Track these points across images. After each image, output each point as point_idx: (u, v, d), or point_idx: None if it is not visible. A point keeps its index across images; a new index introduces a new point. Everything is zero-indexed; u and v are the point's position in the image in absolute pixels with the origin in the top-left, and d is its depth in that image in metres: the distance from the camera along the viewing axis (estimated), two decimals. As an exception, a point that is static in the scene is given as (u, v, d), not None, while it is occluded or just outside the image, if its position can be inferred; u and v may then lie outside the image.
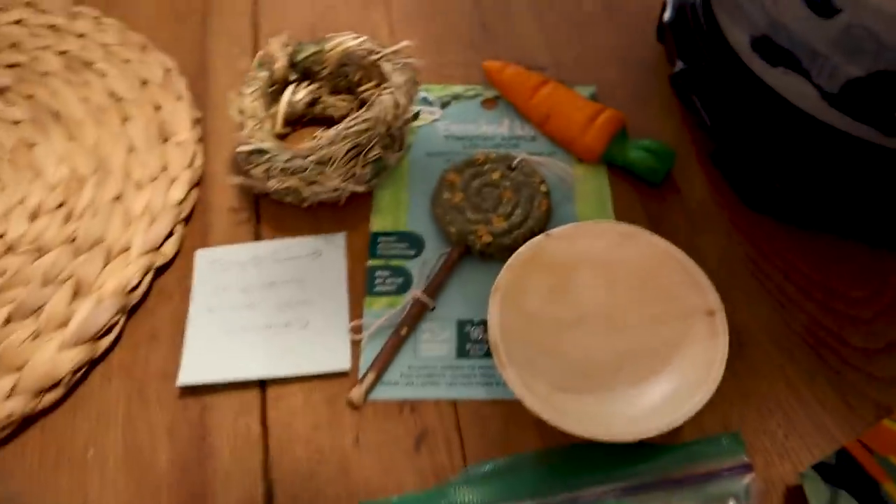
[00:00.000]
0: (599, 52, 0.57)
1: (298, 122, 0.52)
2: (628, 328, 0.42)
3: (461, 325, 0.44)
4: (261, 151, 0.45)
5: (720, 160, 0.49)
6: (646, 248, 0.43)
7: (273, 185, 0.45)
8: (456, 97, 0.54)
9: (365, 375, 0.41)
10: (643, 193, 0.49)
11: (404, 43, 0.49)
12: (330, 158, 0.44)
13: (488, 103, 0.53)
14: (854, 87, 0.38)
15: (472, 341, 0.43)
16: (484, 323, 0.44)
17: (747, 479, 0.39)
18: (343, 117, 0.52)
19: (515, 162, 0.48)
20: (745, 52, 0.44)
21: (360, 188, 0.45)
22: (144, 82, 0.55)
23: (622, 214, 0.48)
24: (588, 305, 0.43)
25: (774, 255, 0.46)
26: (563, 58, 0.56)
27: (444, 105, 0.53)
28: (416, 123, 0.52)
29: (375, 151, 0.45)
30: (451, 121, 0.53)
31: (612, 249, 0.43)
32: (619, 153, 0.49)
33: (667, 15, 0.53)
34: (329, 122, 0.52)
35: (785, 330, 0.44)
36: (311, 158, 0.44)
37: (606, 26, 0.58)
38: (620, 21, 0.58)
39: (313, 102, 0.52)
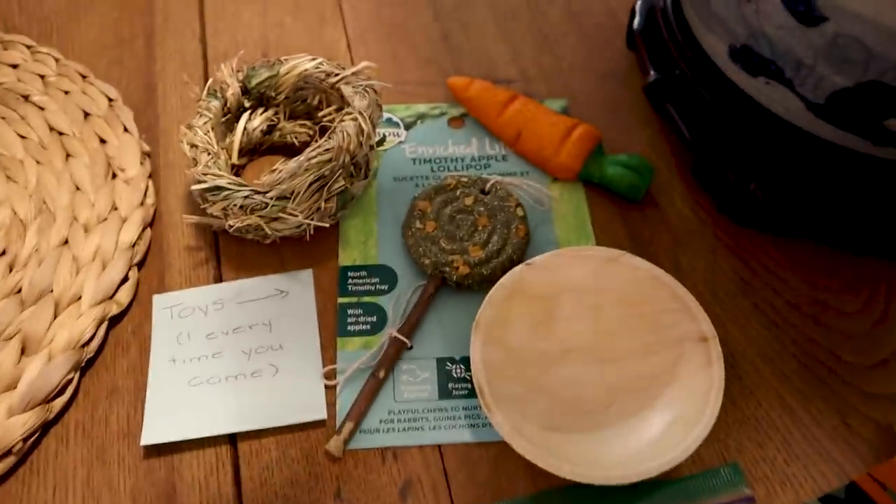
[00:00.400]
0: (567, 62, 0.54)
1: (255, 151, 0.49)
2: (617, 359, 0.40)
3: (441, 364, 0.41)
4: (217, 189, 0.41)
5: (701, 173, 0.47)
6: (631, 272, 0.41)
7: (232, 223, 0.42)
8: (421, 117, 0.51)
9: (343, 424, 0.39)
10: (622, 210, 0.47)
11: (364, 64, 0.46)
12: (292, 193, 0.41)
13: (455, 122, 0.51)
14: (841, 98, 0.37)
15: (454, 380, 0.41)
16: (465, 360, 0.41)
17: (750, 511, 0.37)
18: (304, 143, 0.49)
19: (489, 185, 0.45)
20: (722, 61, 0.43)
21: (326, 223, 0.42)
22: (87, 115, 0.51)
23: (602, 234, 0.46)
24: (574, 337, 0.41)
25: (762, 269, 0.45)
26: (530, 70, 0.54)
27: (408, 126, 0.51)
28: (380, 147, 0.49)
29: (340, 183, 0.42)
30: (417, 142, 0.50)
31: (596, 276, 0.41)
32: (597, 170, 0.47)
33: (636, 22, 0.51)
34: (288, 149, 0.49)
35: (778, 348, 0.42)
36: (271, 194, 0.41)
37: (573, 36, 0.56)
38: (587, 30, 0.56)
39: (270, 129, 0.49)
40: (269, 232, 0.42)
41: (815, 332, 0.43)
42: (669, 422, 0.38)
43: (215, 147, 0.44)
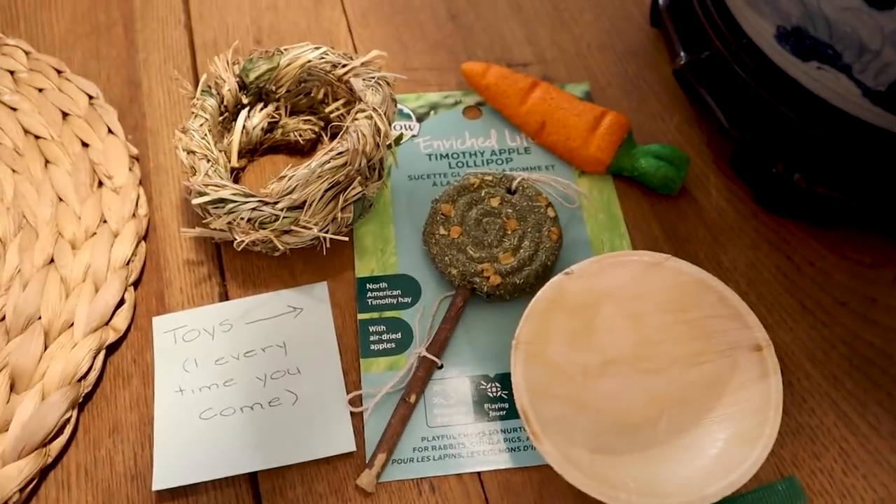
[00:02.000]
0: (585, 42, 0.51)
1: (256, 150, 0.45)
2: (662, 369, 0.38)
3: (476, 383, 0.38)
4: (221, 201, 0.37)
5: (740, 162, 0.44)
6: (675, 276, 0.38)
7: (240, 239, 0.38)
8: (434, 107, 0.47)
9: (374, 456, 0.36)
10: (656, 205, 0.44)
11: (374, 53, 0.42)
12: (304, 203, 0.38)
13: (471, 112, 0.47)
14: (906, 86, 0.34)
15: (490, 400, 0.38)
16: (501, 377, 0.38)
17: (811, 530, 0.35)
18: (309, 141, 0.45)
19: (515, 184, 0.42)
20: (767, 43, 0.39)
21: (343, 236, 0.39)
22: (65, 115, 0.46)
23: (636, 233, 0.43)
24: (615, 347, 0.38)
25: (806, 265, 0.42)
26: (548, 52, 0.50)
27: (420, 118, 0.47)
28: (398, 146, 0.45)
29: (356, 189, 0.39)
30: (431, 135, 0.46)
31: (638, 282, 0.38)
32: (628, 163, 0.43)
33: (661, -3, 0.47)
34: (291, 148, 0.45)
35: (828, 350, 0.40)
36: (281, 205, 0.37)
37: (590, 11, 0.52)
38: (604, 5, 0.52)
39: (271, 127, 0.44)
40: (280, 246, 0.39)
41: (866, 331, 0.41)
42: (726, 440, 0.35)
43: (214, 152, 0.40)
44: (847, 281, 0.42)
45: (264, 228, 0.38)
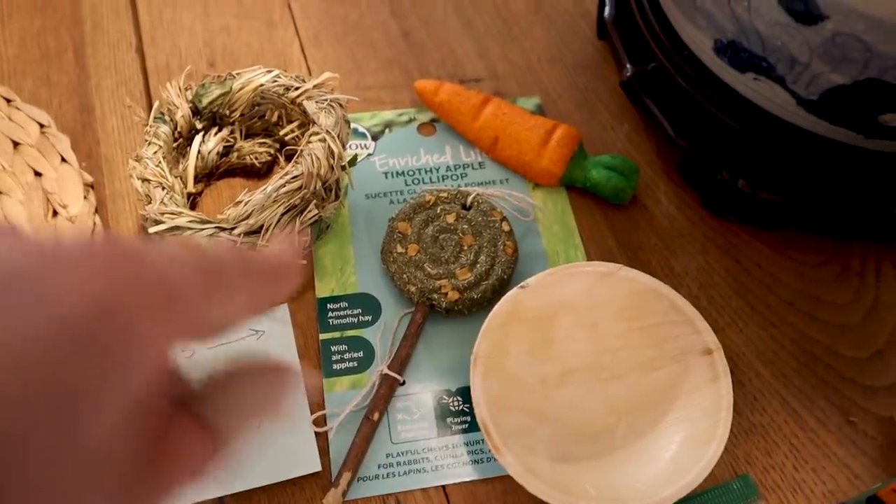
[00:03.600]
0: (535, 56, 0.52)
1: (212, 174, 0.45)
2: (619, 377, 0.39)
3: (438, 398, 0.39)
4: (177, 228, 0.38)
5: (688, 171, 0.45)
6: (628, 285, 0.39)
7: None
8: (388, 125, 0.48)
9: (340, 475, 0.36)
10: (608, 215, 0.45)
11: (326, 75, 0.42)
12: (261, 227, 0.38)
13: (425, 129, 0.48)
14: (837, 95, 0.35)
15: (452, 414, 0.39)
16: (462, 391, 0.39)
17: (766, 525, 0.36)
18: (265, 163, 0.45)
19: (470, 199, 0.42)
20: (706, 55, 0.41)
21: (302, 259, 0.39)
22: (16, 145, 0.46)
23: (591, 243, 0.44)
24: (573, 357, 0.39)
25: (754, 266, 0.44)
26: (499, 67, 0.51)
27: (375, 136, 0.47)
28: (352, 167, 0.46)
29: (313, 212, 0.39)
30: (387, 154, 0.47)
31: (592, 292, 0.39)
32: (580, 174, 0.44)
33: (607, 11, 0.49)
34: (247, 170, 0.46)
35: (777, 349, 0.41)
36: (238, 230, 0.38)
37: (539, 26, 0.53)
38: (553, 19, 0.53)
39: (226, 151, 0.45)
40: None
41: (812, 329, 0.42)
42: (680, 442, 0.36)
43: (169, 179, 0.40)
44: (793, 281, 0.44)
45: (222, 254, 0.38)
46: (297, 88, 0.42)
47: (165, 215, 0.38)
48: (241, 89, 0.43)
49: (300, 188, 0.38)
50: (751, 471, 0.38)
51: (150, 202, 0.39)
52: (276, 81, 0.43)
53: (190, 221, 0.38)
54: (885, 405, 0.40)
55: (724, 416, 0.36)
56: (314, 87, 0.42)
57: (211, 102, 0.42)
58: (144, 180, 0.39)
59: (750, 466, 0.38)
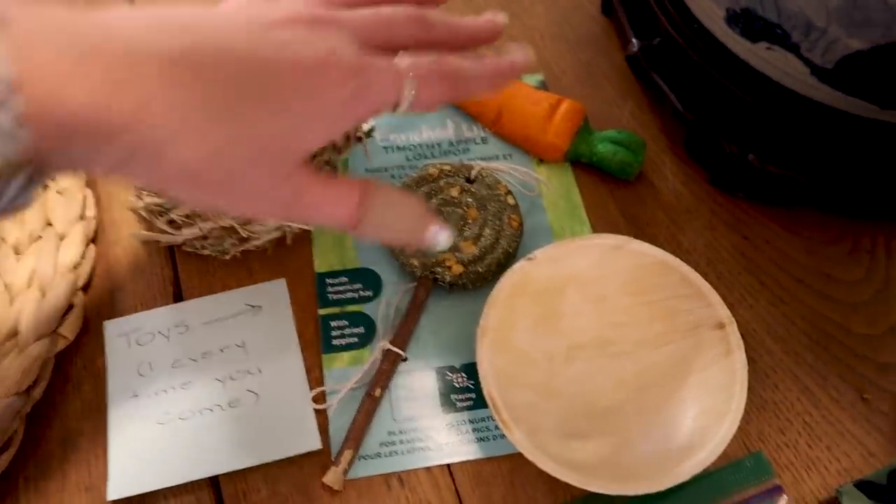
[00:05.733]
0: (538, 33, 0.51)
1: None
2: (628, 352, 0.38)
3: (441, 374, 0.38)
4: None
5: (694, 145, 0.44)
6: (637, 258, 0.38)
7: (201, 228, 0.37)
8: (389, 100, 0.47)
9: (340, 453, 0.35)
10: (614, 191, 0.44)
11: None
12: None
13: (427, 103, 0.47)
14: (853, 62, 0.35)
15: (456, 390, 0.37)
16: (466, 367, 0.38)
17: (781, 502, 0.35)
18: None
19: (474, 173, 0.41)
20: (717, 26, 0.40)
21: (307, 225, 0.38)
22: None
23: (596, 218, 0.43)
24: (580, 332, 0.38)
25: (763, 243, 0.43)
26: (500, 43, 0.50)
27: (376, 110, 0.46)
28: (368, 138, 0.44)
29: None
30: (387, 129, 0.45)
31: (601, 265, 0.38)
32: (586, 149, 0.43)
33: (611, -14, 0.48)
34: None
35: (788, 326, 0.40)
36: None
37: (542, 4, 0.52)
38: (555, -5, 0.52)
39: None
40: (244, 235, 0.37)
41: (823, 306, 0.41)
42: (693, 418, 0.35)
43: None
44: (803, 258, 0.43)
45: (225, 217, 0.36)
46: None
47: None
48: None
49: (314, 157, 0.37)
50: (764, 448, 0.37)
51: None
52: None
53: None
54: (901, 383, 0.39)
55: (738, 390, 0.35)
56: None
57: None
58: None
59: (763, 444, 0.37)
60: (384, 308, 0.39)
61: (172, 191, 0.24)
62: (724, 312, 0.37)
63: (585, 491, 0.33)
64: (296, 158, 0.25)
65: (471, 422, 0.36)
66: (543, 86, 0.48)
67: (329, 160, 0.38)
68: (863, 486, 0.33)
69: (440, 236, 0.28)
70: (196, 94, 0.22)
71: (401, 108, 0.26)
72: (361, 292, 0.40)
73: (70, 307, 0.38)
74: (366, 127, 0.41)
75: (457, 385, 0.37)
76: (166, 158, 0.22)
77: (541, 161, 0.44)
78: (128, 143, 0.22)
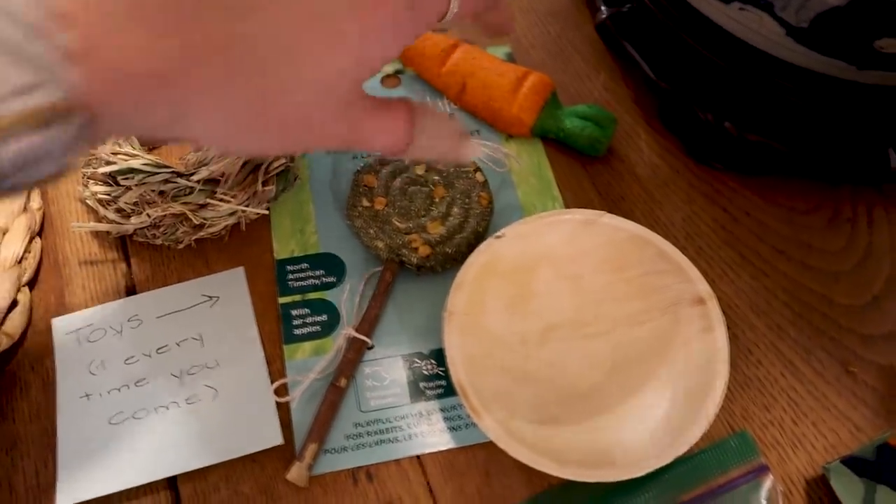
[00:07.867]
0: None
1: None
2: (605, 332, 0.36)
3: (409, 362, 0.36)
4: (131, 172, 0.34)
5: (668, 115, 0.42)
6: (611, 233, 0.37)
7: (150, 214, 0.35)
8: (350, 77, 0.44)
9: (304, 448, 0.33)
10: (588, 166, 0.42)
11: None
12: (222, 175, 0.34)
13: (390, 81, 0.45)
14: (829, 19, 0.33)
15: (425, 378, 0.35)
16: (435, 353, 0.36)
17: (767, 482, 0.34)
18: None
19: (439, 150, 0.39)
20: (687, -13, 0.38)
21: (264, 210, 0.36)
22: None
23: (570, 195, 0.41)
24: (555, 312, 0.36)
25: (743, 215, 0.41)
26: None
27: (337, 89, 0.44)
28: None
29: (280, 161, 0.36)
30: (349, 107, 0.43)
31: (573, 241, 0.37)
32: (553, 124, 0.42)
33: (579, -47, 0.46)
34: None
35: (770, 299, 0.39)
36: (197, 177, 0.34)
37: (508, -27, 0.50)
38: (522, -35, 0.51)
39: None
40: (196, 222, 0.35)
41: (805, 277, 0.40)
42: (674, 398, 0.34)
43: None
44: (783, 228, 0.41)
45: (178, 201, 0.34)
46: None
47: (118, 156, 0.34)
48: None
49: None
50: (749, 427, 0.35)
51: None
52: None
53: (144, 164, 0.34)
54: (885, 353, 0.38)
55: (721, 367, 0.33)
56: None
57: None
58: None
59: (747, 422, 0.36)
60: (348, 294, 0.37)
61: (230, 140, 0.23)
62: (703, 287, 0.35)
63: (563, 479, 0.32)
64: (356, 88, 0.24)
65: (442, 410, 0.35)
66: (511, 59, 0.46)
67: (286, 167, 0.36)
68: (850, 462, 0.32)
69: (476, 148, 0.30)
70: (255, 35, 0.21)
71: (447, 16, 0.25)
72: (324, 278, 0.38)
73: (14, 304, 0.36)
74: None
75: (426, 372, 0.36)
76: (227, 105, 0.21)
77: (510, 137, 0.43)
78: (183, 90, 0.20)
